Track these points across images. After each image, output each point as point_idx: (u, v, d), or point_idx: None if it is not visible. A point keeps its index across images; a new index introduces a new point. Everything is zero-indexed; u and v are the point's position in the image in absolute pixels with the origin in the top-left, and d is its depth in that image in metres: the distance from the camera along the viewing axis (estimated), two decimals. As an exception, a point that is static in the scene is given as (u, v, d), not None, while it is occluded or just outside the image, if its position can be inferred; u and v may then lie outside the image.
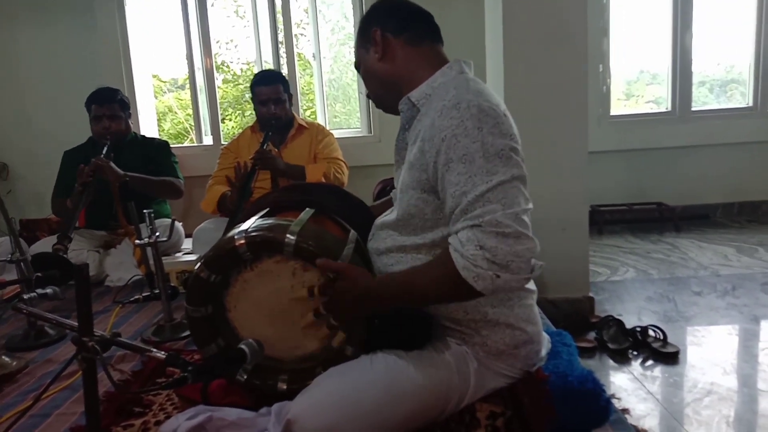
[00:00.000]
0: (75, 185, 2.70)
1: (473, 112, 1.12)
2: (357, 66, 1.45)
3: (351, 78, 4.29)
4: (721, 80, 4.72)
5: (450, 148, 1.12)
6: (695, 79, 4.46)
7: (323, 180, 2.86)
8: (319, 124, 3.24)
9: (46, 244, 2.89)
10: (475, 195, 1.08)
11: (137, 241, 2.01)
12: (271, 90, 3.01)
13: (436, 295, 1.18)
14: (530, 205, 1.12)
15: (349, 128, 4.31)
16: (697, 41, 4.37)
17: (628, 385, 1.96)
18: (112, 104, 3.03)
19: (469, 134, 1.11)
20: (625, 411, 1.74)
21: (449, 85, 1.23)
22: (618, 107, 4.48)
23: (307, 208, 1.45)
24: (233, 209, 2.60)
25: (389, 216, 1.37)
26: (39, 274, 2.05)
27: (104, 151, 2.87)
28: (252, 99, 3.10)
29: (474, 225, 1.07)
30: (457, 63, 1.31)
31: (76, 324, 1.18)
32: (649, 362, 2.13)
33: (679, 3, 4.29)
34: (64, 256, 2.30)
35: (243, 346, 1.19)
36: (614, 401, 1.47)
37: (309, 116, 3.53)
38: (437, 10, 1.45)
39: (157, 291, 2.06)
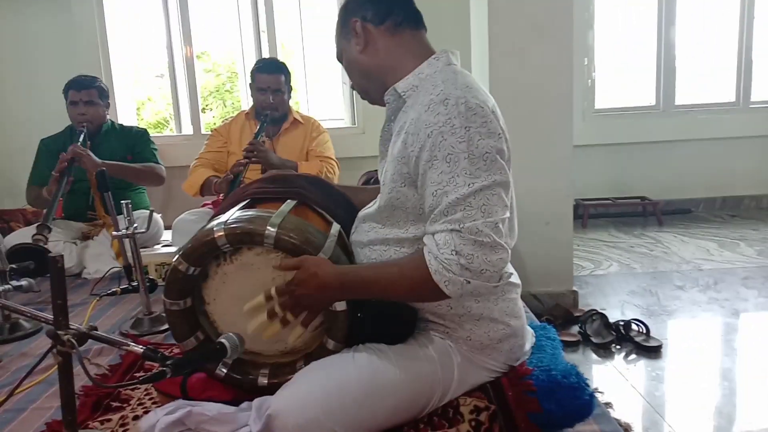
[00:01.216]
0: (51, 174, 2.65)
1: (461, 110, 1.10)
2: (339, 58, 1.42)
3: (334, 68, 4.24)
4: (705, 75, 4.75)
5: (435, 146, 1.10)
6: (679, 74, 4.48)
7: None
8: (314, 120, 3.21)
9: (20, 236, 2.82)
10: (456, 197, 1.07)
11: (115, 233, 1.97)
12: (272, 79, 2.97)
13: (402, 293, 1.18)
14: (507, 214, 1.12)
15: (332, 119, 4.27)
16: (682, 36, 4.39)
17: (612, 379, 1.96)
18: (89, 90, 2.98)
19: (455, 132, 1.09)
20: (608, 405, 1.74)
21: (437, 78, 1.21)
22: (602, 101, 4.49)
23: (289, 200, 1.42)
24: (218, 197, 2.57)
25: (372, 208, 1.35)
26: (14, 265, 2.00)
27: (81, 139, 2.82)
28: (251, 85, 3.06)
29: (453, 229, 1.07)
30: (444, 54, 1.29)
31: (52, 317, 1.15)
32: (632, 356, 2.14)
33: (663, -4, 4.32)
34: (44, 246, 2.24)
35: (223, 340, 1.17)
36: (597, 395, 1.47)
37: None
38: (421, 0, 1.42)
39: (135, 283, 2.02)
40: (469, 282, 1.06)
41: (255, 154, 2.70)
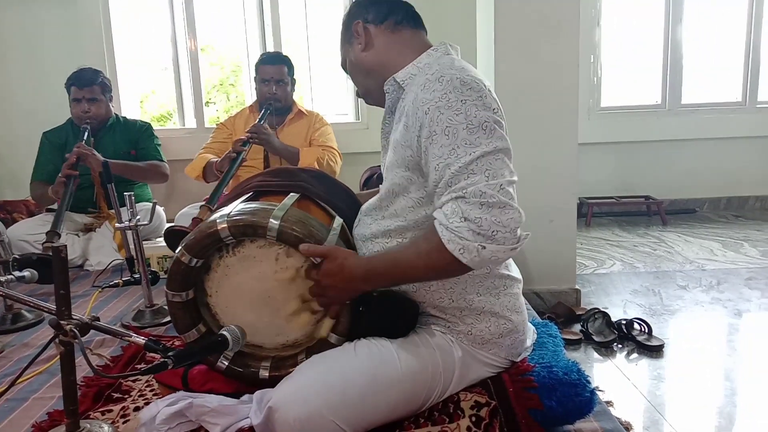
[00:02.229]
0: (57, 175, 2.66)
1: (456, 85, 1.12)
2: (343, 64, 1.46)
3: (339, 63, 4.22)
4: (711, 74, 4.72)
5: (433, 121, 1.11)
6: (686, 73, 4.46)
7: (316, 165, 2.85)
8: (318, 113, 3.25)
9: (24, 227, 2.84)
10: (459, 166, 1.08)
11: (118, 225, 1.97)
12: (275, 70, 3.01)
13: (424, 270, 1.16)
14: (515, 177, 1.12)
15: (336, 114, 4.27)
16: (689, 34, 4.37)
17: (613, 378, 1.96)
18: (92, 87, 2.96)
19: (452, 106, 1.10)
20: (609, 403, 1.73)
21: (433, 64, 1.23)
22: (608, 99, 4.47)
23: (292, 193, 1.42)
24: (220, 177, 2.58)
25: (373, 201, 1.35)
26: (16, 255, 2.00)
27: (85, 137, 2.81)
28: (255, 78, 3.10)
29: (458, 197, 1.07)
30: (443, 45, 1.32)
31: (54, 307, 1.16)
32: (634, 355, 2.13)
33: (671, -5, 4.30)
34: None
35: (224, 332, 1.17)
36: (598, 393, 1.47)
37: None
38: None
39: (137, 275, 2.02)
40: (484, 247, 1.04)
41: (257, 136, 2.72)
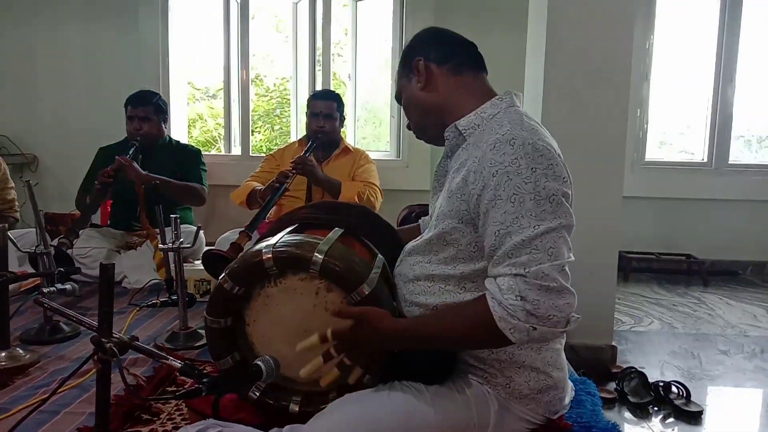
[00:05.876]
0: (95, 183, 2.73)
1: (528, 151, 1.10)
2: (398, 97, 1.44)
3: (384, 101, 4.29)
4: (760, 135, 4.64)
5: (500, 185, 1.09)
6: (734, 133, 4.38)
7: (356, 199, 2.89)
8: (363, 151, 3.32)
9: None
10: (522, 239, 1.05)
11: (161, 246, 2.00)
12: (325, 105, 3.10)
13: (466, 342, 1.16)
14: (572, 257, 1.09)
15: (377, 150, 4.31)
16: (739, 94, 4.31)
17: (648, 442, 1.88)
18: (146, 106, 3.07)
19: (521, 173, 1.08)
20: (645, 469, 1.66)
21: (503, 119, 1.21)
22: (653, 153, 4.42)
23: (336, 228, 1.43)
24: (262, 204, 2.64)
25: (420, 241, 1.34)
26: (61, 269, 2.05)
27: (130, 152, 2.89)
28: (306, 113, 3.20)
29: (518, 274, 1.04)
30: (508, 95, 1.29)
31: (96, 324, 1.17)
32: (671, 419, 2.05)
33: (722, 54, 4.26)
34: (68, 251, 2.30)
35: (259, 363, 1.17)
36: (635, 458, 1.41)
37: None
38: (475, 39, 1.43)
39: (175, 297, 2.04)
40: (535, 328, 1.03)
41: (302, 167, 2.78)
